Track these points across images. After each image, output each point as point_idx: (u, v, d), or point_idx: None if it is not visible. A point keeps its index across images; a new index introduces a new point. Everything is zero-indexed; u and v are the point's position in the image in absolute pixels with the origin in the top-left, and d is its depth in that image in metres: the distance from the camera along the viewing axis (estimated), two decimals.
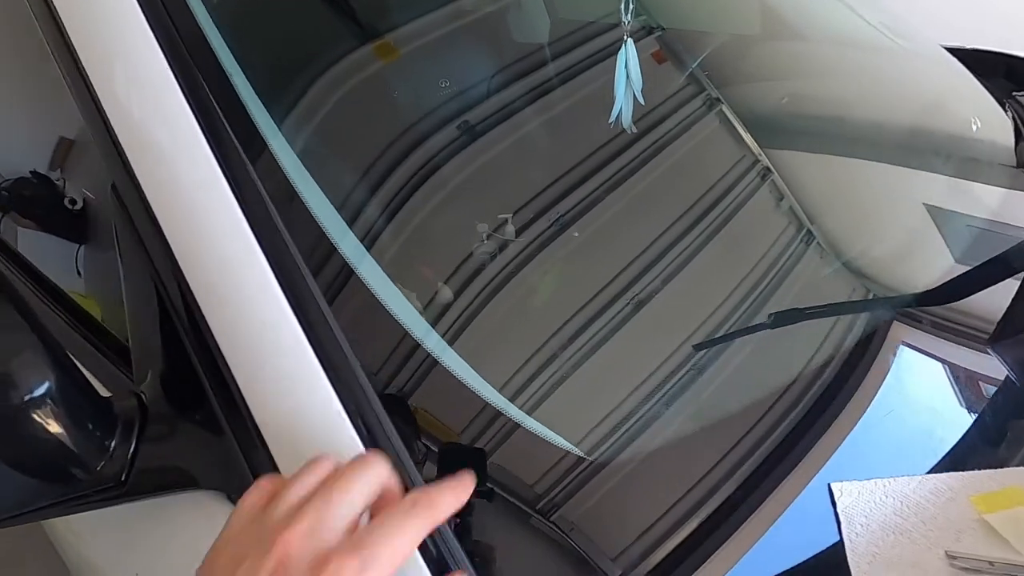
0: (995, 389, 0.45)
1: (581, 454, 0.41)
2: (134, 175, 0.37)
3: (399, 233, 0.53)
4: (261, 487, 0.26)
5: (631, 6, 0.70)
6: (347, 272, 0.41)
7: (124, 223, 0.38)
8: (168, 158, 0.37)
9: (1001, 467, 0.37)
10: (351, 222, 0.46)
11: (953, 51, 0.94)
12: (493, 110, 0.65)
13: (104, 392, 0.35)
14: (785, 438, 0.43)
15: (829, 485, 0.33)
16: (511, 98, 0.67)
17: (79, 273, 0.58)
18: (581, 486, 0.42)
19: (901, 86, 0.83)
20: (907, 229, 0.69)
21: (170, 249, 0.35)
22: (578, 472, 0.42)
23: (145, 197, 0.36)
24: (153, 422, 0.34)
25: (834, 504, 0.33)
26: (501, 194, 0.61)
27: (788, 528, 0.36)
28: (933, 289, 0.57)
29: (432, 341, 0.46)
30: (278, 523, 0.23)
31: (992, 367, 0.48)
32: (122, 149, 0.37)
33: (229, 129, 0.38)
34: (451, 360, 0.45)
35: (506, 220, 0.58)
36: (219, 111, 0.38)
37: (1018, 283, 0.52)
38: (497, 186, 0.63)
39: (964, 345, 0.53)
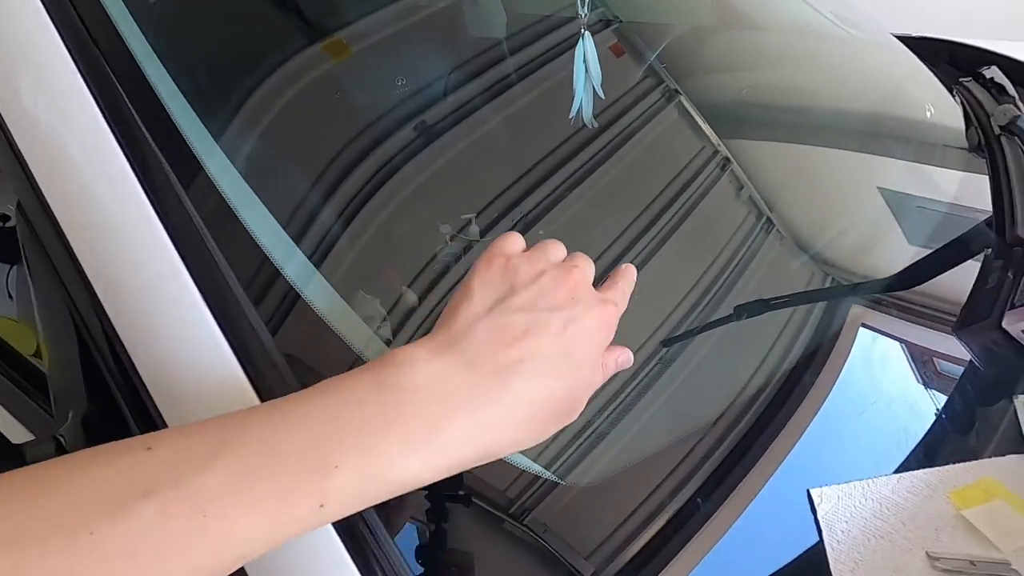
0: (961, 374, 0.45)
1: (551, 476, 0.39)
2: (41, 192, 0.33)
3: (353, 245, 0.50)
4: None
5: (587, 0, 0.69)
6: (292, 297, 0.37)
7: (33, 245, 0.34)
8: (79, 172, 0.33)
9: (975, 458, 0.36)
10: (298, 239, 0.43)
11: (901, 38, 0.96)
12: (451, 109, 0.63)
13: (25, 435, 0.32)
14: (755, 431, 0.43)
15: (808, 492, 0.32)
16: (469, 96, 0.65)
17: (10, 296, 0.53)
18: (553, 487, 0.40)
19: (855, 73, 0.84)
20: (865, 214, 0.70)
21: (85, 275, 0.31)
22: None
23: (54, 216, 0.32)
24: None
25: (814, 511, 0.32)
26: (461, 195, 0.59)
27: (759, 524, 0.35)
28: (894, 275, 0.58)
29: None
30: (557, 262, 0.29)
31: (956, 350, 0.49)
32: (26, 162, 0.33)
33: (150, 137, 0.34)
34: None
35: (470, 220, 0.57)
36: (138, 118, 0.34)
37: (978, 266, 0.52)
38: (457, 187, 0.61)
39: (928, 327, 0.53)
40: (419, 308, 0.50)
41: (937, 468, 0.34)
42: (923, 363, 0.50)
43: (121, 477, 0.19)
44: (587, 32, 0.67)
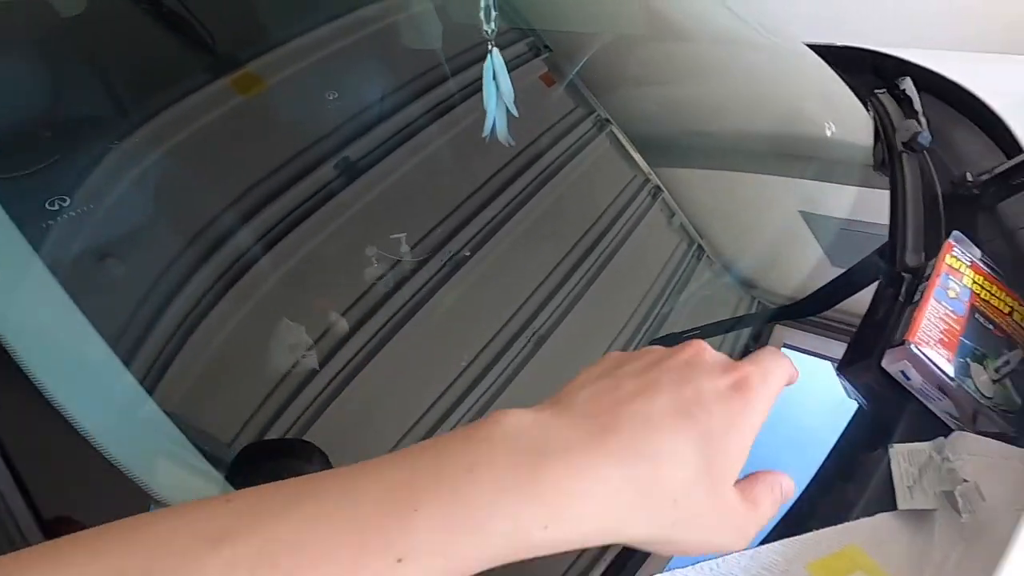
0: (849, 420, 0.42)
1: None
2: None
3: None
4: None
5: (493, 14, 0.66)
6: None
7: None
8: None
9: (846, 515, 0.34)
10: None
11: (818, 48, 0.95)
12: (374, 144, 0.61)
13: None
14: None
15: None
16: (388, 128, 0.63)
17: None
18: None
19: (768, 92, 0.83)
20: (781, 236, 0.69)
21: None
22: None
23: None
24: None
25: None
26: (387, 221, 0.57)
27: None
28: (809, 297, 0.56)
29: None
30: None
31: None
32: None
33: None
34: None
35: (399, 239, 0.55)
36: None
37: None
38: (382, 214, 0.59)
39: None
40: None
41: (796, 538, 0.31)
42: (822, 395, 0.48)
43: (195, 525, 0.17)
44: (495, 49, 0.65)
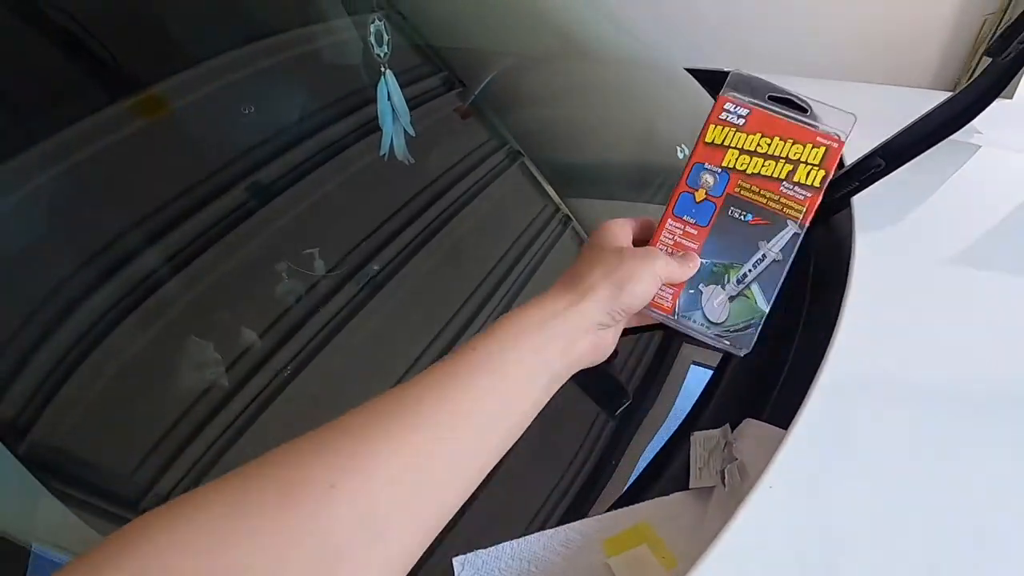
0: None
1: None
2: None
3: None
4: None
5: (385, 37, 0.69)
6: None
7: None
8: None
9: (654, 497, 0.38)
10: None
11: (696, 72, 1.03)
12: (294, 163, 0.61)
13: None
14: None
15: (451, 560, 0.33)
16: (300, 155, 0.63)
17: None
18: None
19: (649, 115, 0.89)
20: None
21: None
22: None
23: None
24: None
25: None
26: (294, 238, 0.57)
27: None
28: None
29: None
30: None
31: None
32: None
33: None
34: None
35: (312, 253, 0.55)
36: None
37: None
38: (288, 231, 0.58)
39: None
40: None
41: (598, 517, 0.36)
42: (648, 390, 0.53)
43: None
44: (388, 71, 0.67)
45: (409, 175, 0.66)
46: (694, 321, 0.39)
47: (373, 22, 0.70)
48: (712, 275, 0.39)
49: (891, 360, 0.41)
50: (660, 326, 0.42)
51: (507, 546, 0.33)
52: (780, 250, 0.39)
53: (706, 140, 0.40)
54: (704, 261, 0.39)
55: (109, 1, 0.61)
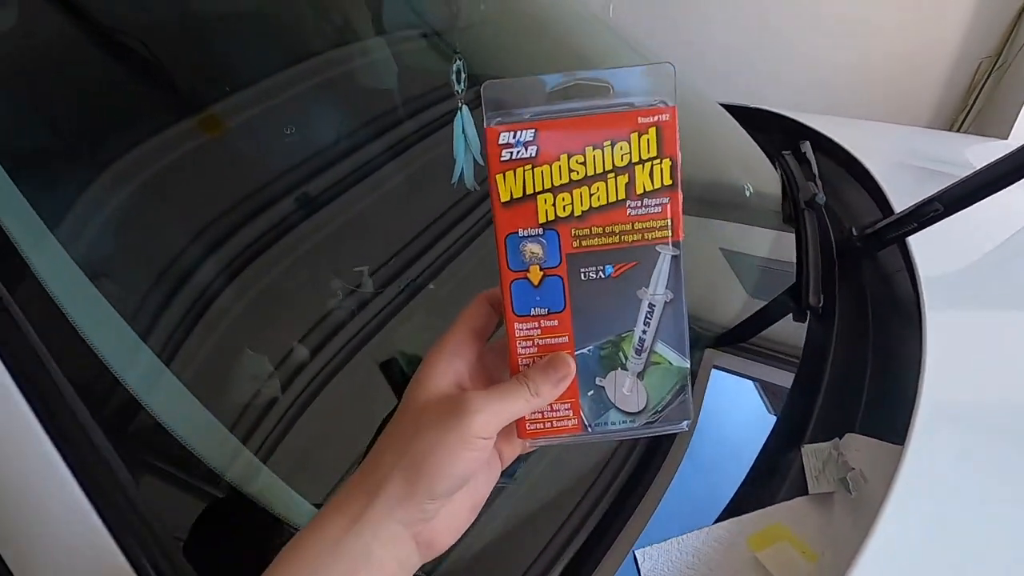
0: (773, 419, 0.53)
1: None
2: None
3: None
4: None
5: (464, 75, 0.75)
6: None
7: None
8: None
9: (774, 501, 0.44)
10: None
11: (735, 108, 1.11)
12: (336, 178, 0.65)
13: None
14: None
15: (634, 553, 0.38)
16: (359, 160, 0.67)
17: None
18: None
19: (691, 142, 0.96)
20: (708, 269, 0.80)
21: None
22: None
23: None
24: None
25: (639, 570, 0.37)
26: (350, 255, 0.60)
27: None
28: (735, 327, 0.67)
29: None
30: None
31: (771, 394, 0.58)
32: None
33: None
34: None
35: (363, 271, 0.57)
36: None
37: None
38: (346, 248, 0.62)
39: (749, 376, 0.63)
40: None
41: (739, 517, 0.41)
42: (744, 409, 0.59)
43: None
44: (465, 107, 0.73)
45: (446, 192, 0.68)
46: (613, 424, 0.30)
47: (454, 62, 0.76)
48: (603, 361, 0.30)
49: (980, 381, 0.48)
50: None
51: (674, 542, 0.38)
52: (666, 287, 0.29)
53: (502, 200, 0.28)
54: (584, 351, 0.29)
55: (170, 30, 0.63)
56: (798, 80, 1.95)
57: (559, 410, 0.29)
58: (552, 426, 0.29)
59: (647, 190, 0.28)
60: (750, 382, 0.63)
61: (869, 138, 1.06)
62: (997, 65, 1.75)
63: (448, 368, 0.28)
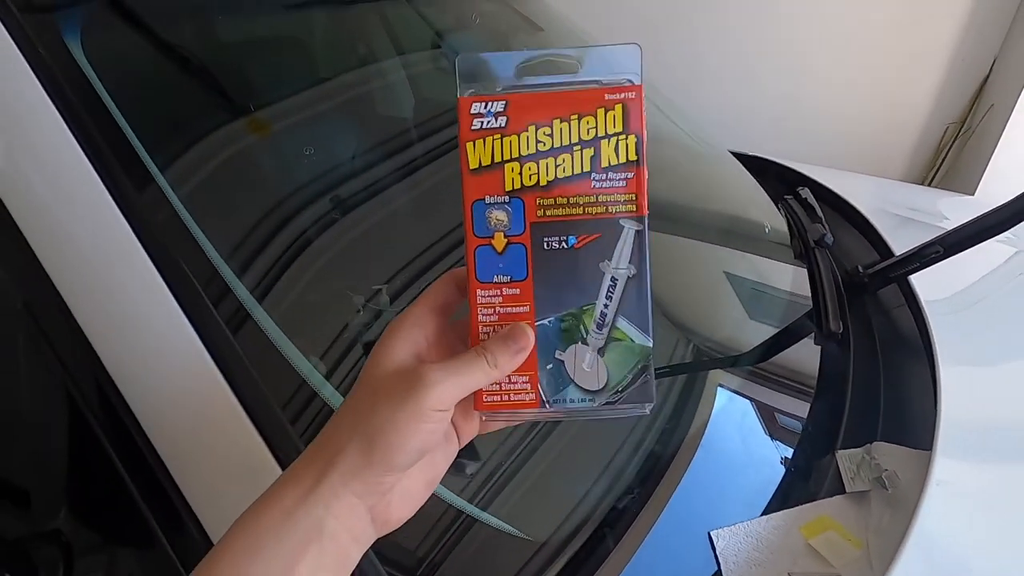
0: (801, 428, 0.59)
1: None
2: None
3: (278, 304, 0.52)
4: None
5: None
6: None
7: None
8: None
9: (815, 499, 0.49)
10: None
11: (738, 155, 1.21)
12: (364, 184, 0.68)
13: None
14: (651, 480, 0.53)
15: (709, 534, 0.42)
16: (380, 175, 0.71)
17: None
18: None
19: (705, 181, 1.04)
20: (720, 295, 0.87)
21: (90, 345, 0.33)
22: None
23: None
24: (81, 556, 0.31)
25: (714, 549, 0.42)
26: (371, 266, 0.62)
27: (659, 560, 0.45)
28: (747, 352, 0.73)
29: None
30: None
31: (793, 407, 0.64)
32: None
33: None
34: None
35: (380, 290, 0.59)
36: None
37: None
38: (366, 259, 0.64)
39: (775, 390, 0.69)
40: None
41: (792, 509, 0.47)
42: (769, 419, 0.65)
43: None
44: None
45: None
46: (571, 401, 0.29)
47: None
48: (564, 334, 0.29)
49: (988, 396, 0.55)
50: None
51: (741, 526, 0.43)
52: (629, 261, 0.29)
53: (470, 167, 0.29)
54: (544, 322, 0.29)
55: (219, 48, 0.66)
56: (786, 131, 2.09)
57: (517, 383, 0.29)
58: (509, 399, 0.29)
59: (612, 164, 0.28)
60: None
61: (851, 187, 1.16)
62: (962, 131, 1.92)
63: (407, 340, 0.28)
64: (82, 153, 0.35)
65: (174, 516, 0.32)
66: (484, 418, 0.30)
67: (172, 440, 0.32)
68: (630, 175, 0.28)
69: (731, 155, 1.18)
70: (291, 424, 0.35)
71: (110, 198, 0.35)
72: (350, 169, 0.70)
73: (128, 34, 0.51)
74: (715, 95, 2.09)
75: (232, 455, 0.33)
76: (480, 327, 0.29)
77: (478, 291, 0.29)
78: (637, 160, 0.28)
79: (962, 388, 0.56)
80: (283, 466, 0.33)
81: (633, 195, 0.28)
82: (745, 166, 1.16)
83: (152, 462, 0.31)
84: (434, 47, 0.94)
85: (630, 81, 0.28)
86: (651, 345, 0.29)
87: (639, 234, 0.28)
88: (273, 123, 0.68)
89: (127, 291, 0.34)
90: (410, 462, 0.26)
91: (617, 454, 0.56)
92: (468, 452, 0.35)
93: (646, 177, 0.28)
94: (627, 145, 0.28)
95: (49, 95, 0.36)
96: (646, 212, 0.28)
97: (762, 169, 1.23)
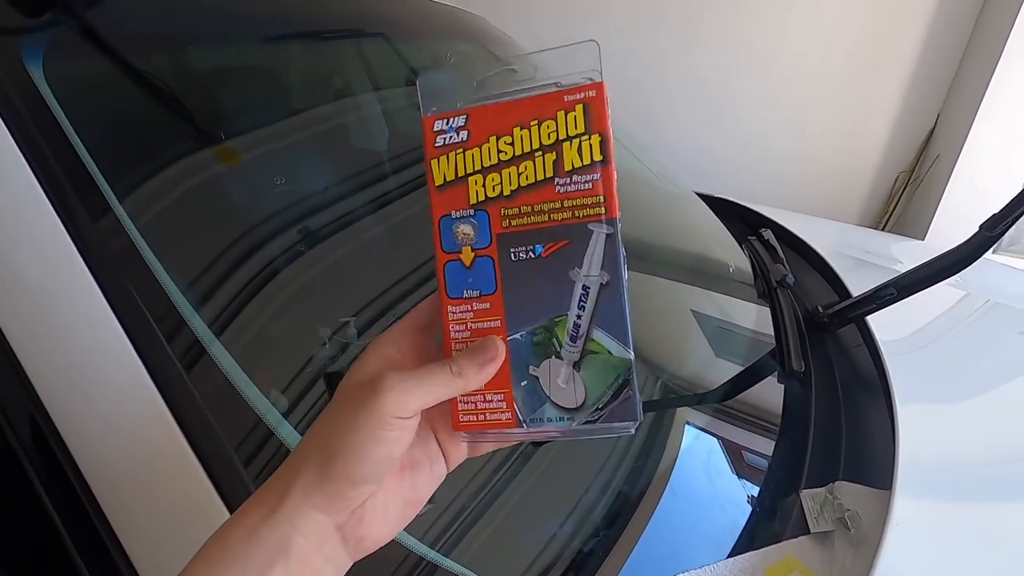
0: (766, 467, 0.59)
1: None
2: None
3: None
4: None
5: None
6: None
7: None
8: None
9: (780, 539, 0.49)
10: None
11: (704, 196, 1.24)
12: (333, 217, 0.67)
13: None
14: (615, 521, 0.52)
15: None
16: (352, 207, 0.70)
17: None
18: None
19: (683, 223, 1.07)
20: (686, 332, 0.88)
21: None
22: None
23: None
24: None
25: None
26: (340, 298, 0.61)
27: None
28: (714, 390, 0.74)
29: None
30: None
31: (761, 445, 0.64)
32: None
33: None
34: None
35: (348, 322, 0.58)
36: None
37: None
38: (336, 291, 0.62)
39: (742, 428, 0.69)
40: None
41: (757, 551, 0.46)
42: (736, 457, 0.65)
43: None
44: None
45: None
46: (549, 420, 0.28)
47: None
48: (537, 348, 0.28)
49: (945, 433, 0.56)
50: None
51: (707, 569, 0.43)
52: (601, 268, 0.27)
53: (436, 184, 0.28)
54: (517, 336, 0.28)
55: (190, 76, 0.66)
56: (749, 176, 2.17)
57: (492, 400, 0.28)
58: (485, 418, 0.28)
59: (576, 166, 0.27)
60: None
61: (810, 230, 1.21)
62: (912, 179, 2.02)
63: (380, 357, 0.27)
64: (34, 178, 0.34)
65: (111, 570, 0.30)
66: (465, 440, 0.29)
67: (113, 484, 0.30)
68: (596, 176, 0.27)
69: (697, 196, 1.22)
70: (245, 466, 0.34)
71: (60, 224, 0.34)
72: (319, 201, 0.69)
73: (95, 60, 0.50)
74: (683, 139, 2.17)
75: (178, 501, 0.31)
76: (453, 343, 0.28)
77: (449, 307, 0.28)
78: (603, 160, 0.27)
79: (919, 427, 0.57)
80: (231, 511, 0.31)
81: (600, 197, 0.27)
82: (711, 207, 1.19)
83: (89, 508, 0.29)
84: (409, 84, 0.96)
85: (590, 79, 0.27)
86: (631, 358, 0.27)
87: (610, 238, 0.26)
88: (241, 153, 0.67)
89: (71, 321, 0.33)
90: (373, 473, 0.25)
91: (584, 494, 0.55)
92: None
93: (615, 177, 0.27)
94: (591, 145, 0.27)
95: (2, 117, 0.35)
96: (617, 214, 0.27)
97: (727, 211, 1.28)
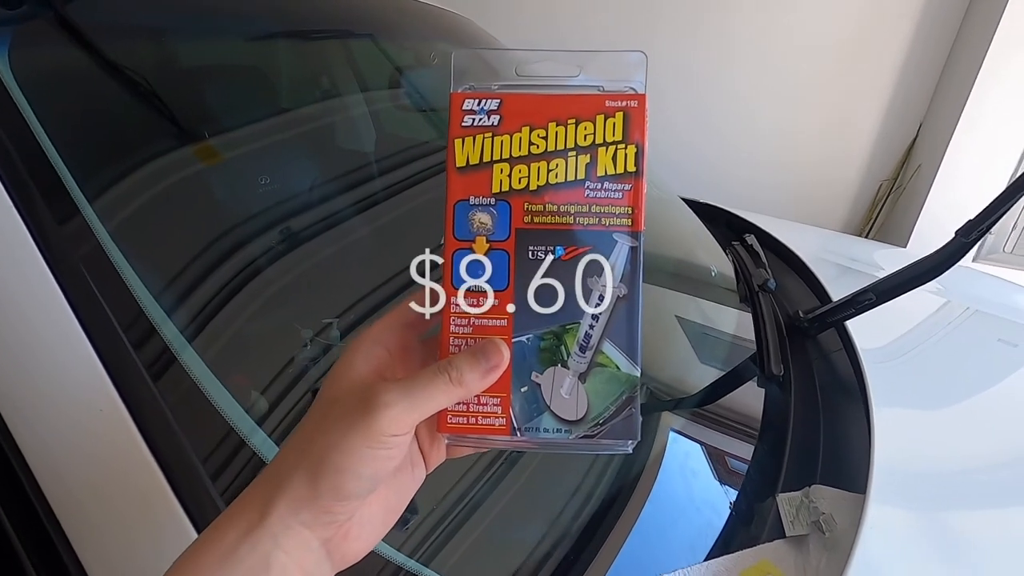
0: (745, 471, 0.59)
1: None
2: None
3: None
4: None
5: None
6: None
7: None
8: None
9: (756, 542, 0.49)
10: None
11: (690, 201, 1.25)
12: (317, 218, 0.67)
13: None
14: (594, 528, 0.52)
15: None
16: (334, 208, 0.70)
17: None
18: None
19: (667, 226, 1.07)
20: (669, 336, 0.88)
21: None
22: None
23: None
24: None
25: None
26: (322, 299, 0.61)
27: None
28: (694, 395, 0.74)
29: None
30: None
31: (742, 451, 0.64)
32: None
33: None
34: None
35: (331, 324, 0.57)
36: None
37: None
38: (317, 292, 0.62)
39: (723, 432, 0.69)
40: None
41: (733, 554, 0.46)
42: (718, 461, 0.65)
43: None
44: None
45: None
46: (545, 431, 0.26)
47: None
48: (542, 354, 0.27)
49: (920, 438, 0.56)
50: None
51: (682, 572, 0.43)
52: (620, 280, 0.26)
53: (457, 165, 0.26)
54: (523, 339, 0.26)
55: (172, 72, 0.64)
56: (735, 182, 2.19)
57: (487, 404, 0.26)
58: (477, 422, 0.26)
59: (608, 173, 0.26)
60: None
61: (794, 236, 1.22)
62: (894, 187, 2.05)
63: (367, 357, 0.26)
64: None
65: None
66: (448, 441, 0.27)
67: (72, 497, 0.29)
68: (627, 187, 0.26)
69: (682, 201, 1.23)
70: (213, 480, 0.33)
71: (23, 227, 0.33)
72: (300, 202, 0.69)
73: (68, 54, 0.49)
74: (671, 146, 2.18)
75: (141, 517, 0.30)
76: (451, 339, 0.26)
77: (453, 298, 0.26)
78: (636, 171, 0.26)
79: (895, 432, 0.58)
80: (199, 531, 0.30)
81: (630, 208, 0.26)
82: (697, 213, 1.20)
83: (47, 523, 0.28)
84: (392, 86, 0.96)
85: (633, 89, 0.26)
86: (638, 375, 0.26)
87: (634, 251, 0.26)
88: (220, 152, 0.66)
89: (31, 327, 0.32)
90: (363, 490, 0.24)
91: (565, 499, 0.55)
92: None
93: (645, 191, 0.26)
94: (626, 155, 0.26)
95: None
96: (642, 228, 0.26)
97: (713, 216, 1.29)
